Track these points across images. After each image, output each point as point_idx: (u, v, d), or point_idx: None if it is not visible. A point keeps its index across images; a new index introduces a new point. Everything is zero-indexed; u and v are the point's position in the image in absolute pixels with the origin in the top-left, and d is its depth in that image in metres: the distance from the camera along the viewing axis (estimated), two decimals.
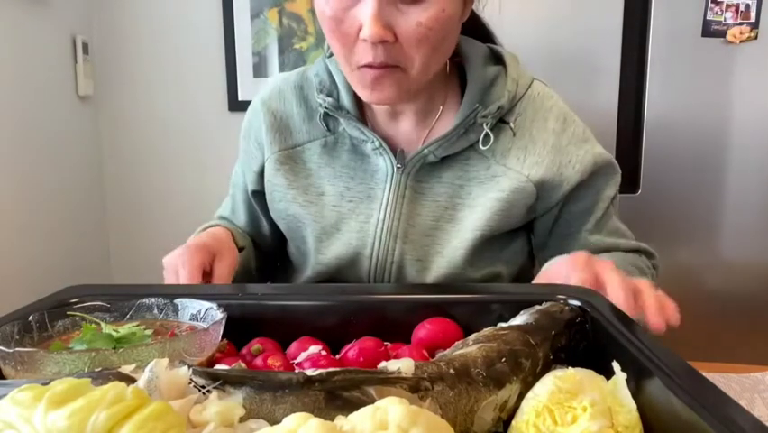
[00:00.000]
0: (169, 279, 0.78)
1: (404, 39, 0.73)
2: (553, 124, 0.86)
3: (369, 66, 0.75)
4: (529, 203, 0.85)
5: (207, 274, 0.79)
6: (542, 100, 0.87)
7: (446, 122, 0.87)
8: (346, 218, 0.88)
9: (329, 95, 0.87)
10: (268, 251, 1.03)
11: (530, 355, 0.48)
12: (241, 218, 1.01)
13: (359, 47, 0.75)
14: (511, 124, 0.85)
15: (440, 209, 0.86)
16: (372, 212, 0.87)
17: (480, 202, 0.84)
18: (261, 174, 0.94)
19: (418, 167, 0.86)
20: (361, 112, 0.88)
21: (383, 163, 0.86)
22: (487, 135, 0.83)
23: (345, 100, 0.86)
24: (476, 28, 0.92)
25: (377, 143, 0.85)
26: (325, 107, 0.87)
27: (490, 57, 0.89)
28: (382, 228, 0.86)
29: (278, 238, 0.99)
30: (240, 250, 0.93)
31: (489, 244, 0.85)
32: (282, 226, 0.95)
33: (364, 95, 0.80)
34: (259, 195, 0.96)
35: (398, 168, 0.85)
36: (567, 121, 0.87)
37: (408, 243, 0.86)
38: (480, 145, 0.84)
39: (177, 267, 0.77)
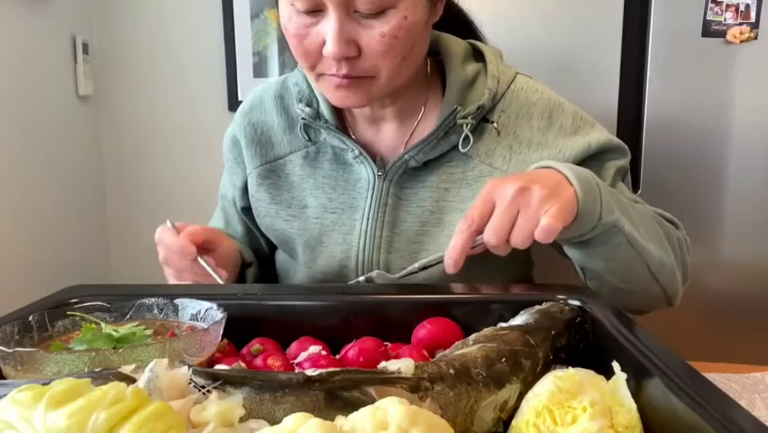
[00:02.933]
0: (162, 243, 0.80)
1: (368, 51, 0.71)
2: (538, 122, 0.82)
3: (333, 75, 0.74)
4: None
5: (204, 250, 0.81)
6: (525, 95, 0.84)
7: (428, 123, 0.84)
8: (329, 231, 0.86)
9: (308, 104, 0.85)
10: (265, 261, 1.02)
11: (530, 355, 0.48)
12: (237, 231, 0.99)
13: (323, 61, 0.74)
14: (494, 123, 0.82)
15: (425, 214, 0.83)
16: (355, 223, 0.85)
17: (469, 206, 0.80)
18: (245, 190, 0.93)
19: (400, 173, 0.83)
20: (341, 119, 0.86)
21: (365, 172, 0.84)
22: (466, 137, 0.80)
23: (324, 109, 0.84)
24: (458, 22, 0.90)
25: (356, 152, 0.83)
26: (303, 118, 0.85)
27: (471, 54, 0.86)
28: (365, 239, 0.84)
29: (274, 248, 0.99)
30: (248, 265, 0.92)
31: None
32: (273, 239, 0.94)
33: (332, 99, 0.78)
34: (247, 210, 0.95)
35: (380, 175, 0.83)
36: (553, 115, 0.83)
37: (393, 252, 0.83)
38: (460, 148, 0.81)
39: (170, 231, 0.79)
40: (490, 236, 0.62)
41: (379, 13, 0.70)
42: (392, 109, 0.85)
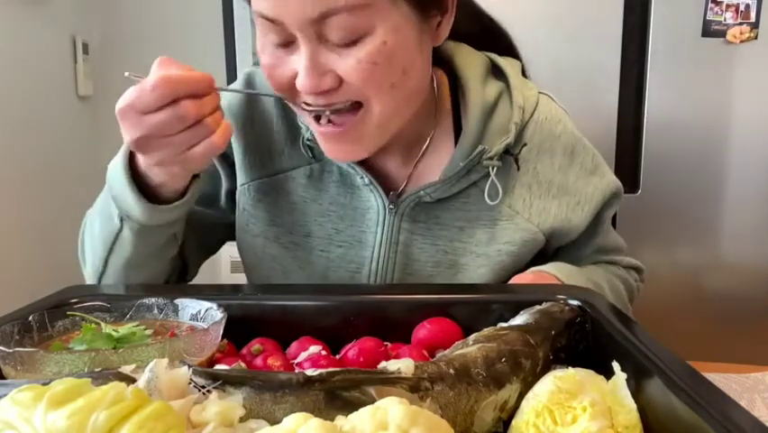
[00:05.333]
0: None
1: (348, 80, 0.64)
2: (560, 160, 0.78)
3: (316, 118, 0.66)
4: (537, 250, 0.80)
5: None
6: (549, 127, 0.78)
7: (438, 152, 0.78)
8: (335, 267, 0.79)
9: None
10: (198, 262, 0.88)
11: (530, 355, 0.48)
12: (194, 220, 0.83)
13: (300, 94, 0.66)
14: (516, 156, 0.76)
15: (439, 254, 0.77)
16: (364, 261, 0.78)
17: (486, 252, 0.77)
18: (229, 196, 0.83)
19: (413, 206, 0.77)
20: None
21: (374, 201, 0.77)
22: (493, 185, 0.74)
23: None
24: (490, 37, 0.83)
25: (366, 180, 0.76)
26: (309, 140, 0.76)
27: (490, 70, 0.79)
28: (375, 281, 0.78)
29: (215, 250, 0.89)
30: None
31: None
32: (247, 258, 0.84)
33: (325, 151, 0.71)
34: (220, 209, 0.84)
35: (391, 209, 0.77)
36: (575, 152, 0.79)
37: None
38: (487, 199, 0.74)
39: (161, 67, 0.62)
40: None
41: (353, 41, 0.63)
42: (399, 135, 0.75)
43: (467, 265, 0.78)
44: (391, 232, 0.77)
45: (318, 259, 0.79)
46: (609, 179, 0.82)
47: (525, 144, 0.77)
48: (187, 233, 0.79)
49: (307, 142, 0.77)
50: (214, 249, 0.90)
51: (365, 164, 0.77)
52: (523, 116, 0.77)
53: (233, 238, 0.87)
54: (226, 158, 0.82)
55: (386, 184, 0.78)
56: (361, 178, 0.76)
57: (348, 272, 0.79)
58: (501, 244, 0.77)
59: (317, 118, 0.68)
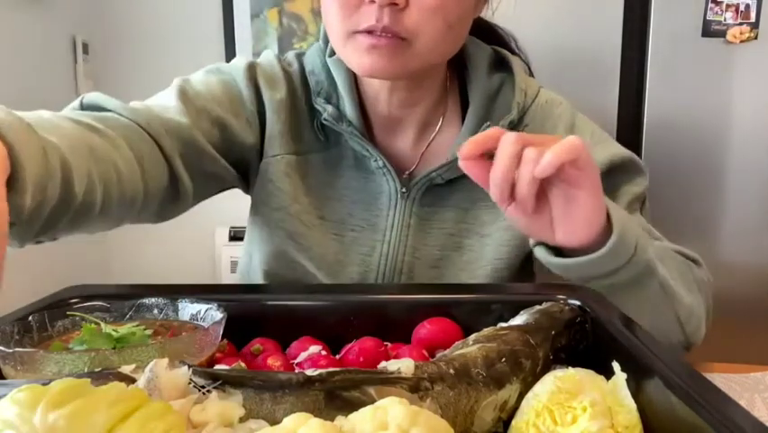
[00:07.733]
0: None
1: (417, 4, 0.66)
2: (562, 133, 0.80)
3: (368, 31, 0.67)
4: None
5: None
6: (550, 108, 0.82)
7: (447, 135, 0.82)
8: (347, 249, 0.81)
9: (328, 99, 0.79)
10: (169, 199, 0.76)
11: (530, 355, 0.48)
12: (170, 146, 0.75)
13: (362, 10, 0.67)
14: None
15: (444, 236, 0.80)
16: (375, 243, 0.80)
17: (490, 232, 0.79)
18: (255, 153, 0.79)
19: (423, 190, 0.79)
20: (365, 123, 0.80)
21: (387, 186, 0.80)
22: None
23: (348, 109, 0.77)
24: (493, 39, 0.87)
25: (381, 162, 0.78)
26: (326, 119, 0.78)
27: (495, 62, 0.83)
28: (386, 264, 0.80)
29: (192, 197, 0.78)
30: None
31: (501, 274, 0.80)
32: (258, 231, 0.84)
33: (360, 65, 0.70)
34: (205, 158, 0.76)
35: (404, 193, 0.79)
36: (576, 127, 0.81)
37: (414, 277, 0.80)
38: None
39: None
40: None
41: None
42: (415, 115, 0.81)
43: (472, 245, 0.80)
44: (403, 216, 0.80)
45: (331, 242, 0.81)
46: (618, 150, 0.79)
47: (527, 125, 0.80)
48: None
49: (324, 121, 0.78)
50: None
51: (377, 145, 0.80)
52: (525, 99, 0.80)
53: (219, 190, 0.84)
54: (259, 120, 0.80)
55: (397, 165, 0.81)
56: (376, 161, 0.79)
57: (360, 255, 0.81)
58: (503, 221, 0.79)
59: (369, 32, 0.68)
